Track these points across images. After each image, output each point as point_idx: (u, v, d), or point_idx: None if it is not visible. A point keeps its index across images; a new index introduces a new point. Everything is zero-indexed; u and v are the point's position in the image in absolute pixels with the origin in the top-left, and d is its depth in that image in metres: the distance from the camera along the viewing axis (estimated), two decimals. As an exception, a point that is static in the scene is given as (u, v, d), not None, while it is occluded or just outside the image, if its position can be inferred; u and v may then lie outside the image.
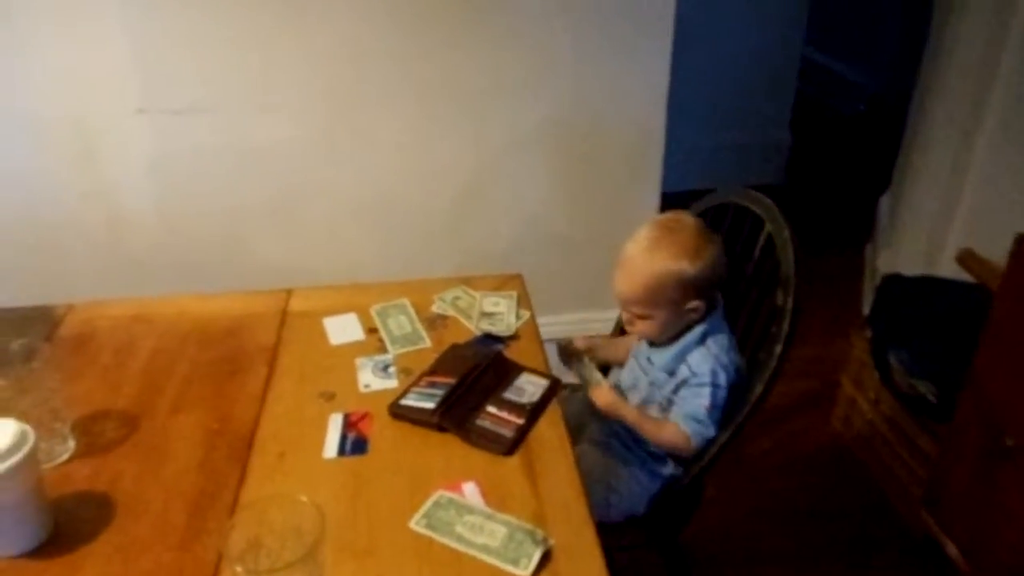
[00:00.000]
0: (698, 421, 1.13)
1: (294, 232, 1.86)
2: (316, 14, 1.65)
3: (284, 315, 1.25)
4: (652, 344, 1.21)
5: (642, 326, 1.16)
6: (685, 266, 1.08)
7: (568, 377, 1.22)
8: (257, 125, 1.74)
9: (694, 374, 1.13)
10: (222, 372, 1.11)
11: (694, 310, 1.12)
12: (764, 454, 1.95)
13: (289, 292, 1.32)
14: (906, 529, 1.70)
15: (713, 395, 1.12)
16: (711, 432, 1.13)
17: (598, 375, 1.21)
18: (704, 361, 1.13)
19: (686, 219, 1.13)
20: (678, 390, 1.15)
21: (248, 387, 1.08)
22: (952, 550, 1.53)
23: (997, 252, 1.49)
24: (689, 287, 1.09)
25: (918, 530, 1.64)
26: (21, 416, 0.84)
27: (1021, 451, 1.31)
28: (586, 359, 1.24)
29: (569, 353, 1.25)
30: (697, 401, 1.13)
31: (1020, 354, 1.31)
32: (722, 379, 1.12)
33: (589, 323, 2.02)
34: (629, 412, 1.16)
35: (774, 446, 1.97)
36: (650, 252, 1.10)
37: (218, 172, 1.78)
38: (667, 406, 1.18)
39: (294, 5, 1.65)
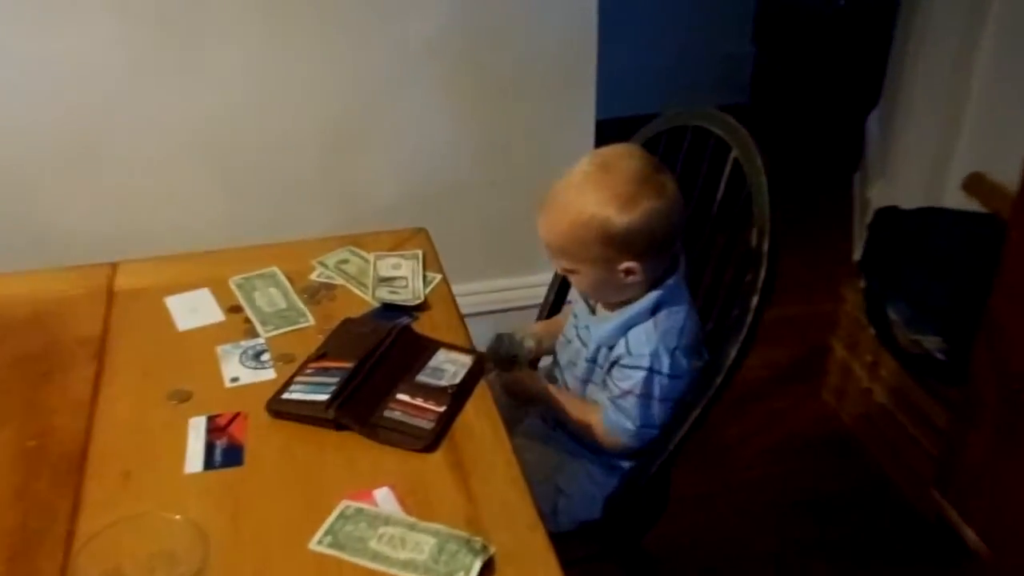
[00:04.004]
0: (619, 410, 1.20)
1: (109, 188, 1.82)
2: None
3: (110, 295, 1.25)
4: (593, 311, 1.27)
5: (574, 281, 1.22)
6: (611, 215, 1.11)
7: None
8: (38, 36, 1.66)
9: (629, 353, 1.19)
10: (32, 374, 1.10)
11: (629, 272, 1.17)
12: (742, 439, 2.06)
13: (114, 266, 1.31)
14: (915, 515, 1.84)
15: (647, 383, 1.18)
16: (629, 426, 1.20)
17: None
18: (646, 340, 1.18)
19: (631, 159, 1.16)
20: (611, 369, 1.22)
21: (71, 391, 1.08)
22: (970, 535, 1.67)
23: (1010, 175, 1.61)
24: (616, 243, 1.13)
25: (930, 515, 1.78)
26: None
27: (1046, 410, 1.45)
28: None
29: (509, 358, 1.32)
30: (622, 385, 1.19)
31: (1040, 292, 1.44)
32: (664, 364, 1.18)
33: (511, 291, 2.08)
34: (539, 389, 1.25)
35: (754, 429, 2.08)
36: (576, 191, 1.15)
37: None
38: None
39: None
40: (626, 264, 1.15)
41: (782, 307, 2.28)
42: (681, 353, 1.19)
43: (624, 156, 1.17)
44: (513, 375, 1.30)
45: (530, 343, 1.34)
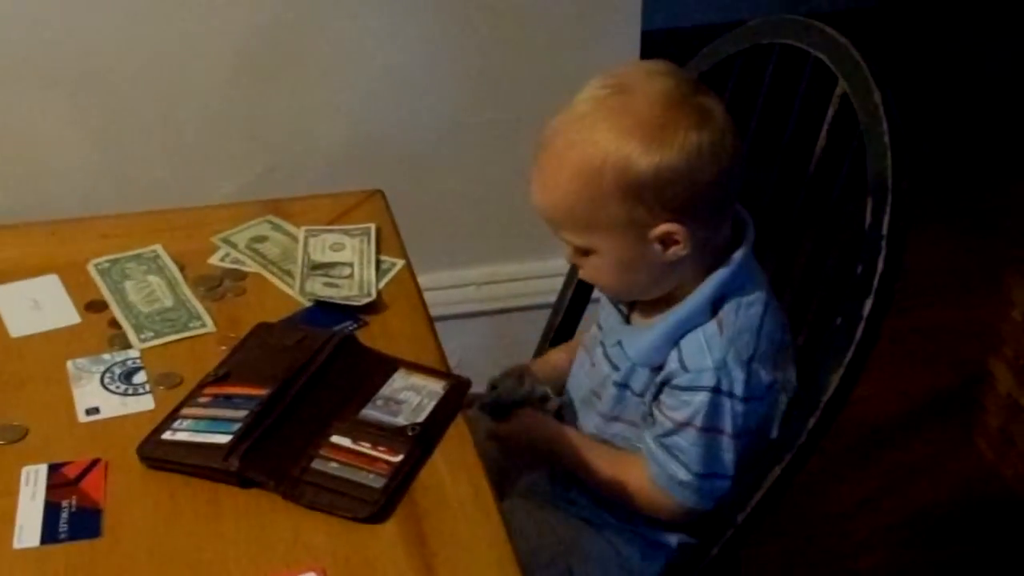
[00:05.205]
0: (668, 453, 1.19)
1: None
2: None
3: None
4: (627, 318, 1.27)
5: (589, 269, 1.23)
6: (632, 152, 1.13)
7: None
8: None
9: (684, 369, 1.19)
10: None
11: (669, 240, 1.16)
12: (854, 509, 2.04)
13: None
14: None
15: (712, 410, 1.17)
16: (682, 475, 1.19)
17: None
18: (708, 347, 1.18)
19: (660, 77, 1.18)
20: (658, 396, 1.22)
21: None
22: None
23: None
24: (646, 195, 1.14)
25: None
26: None
27: None
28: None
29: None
30: (676, 416, 1.19)
31: None
32: (737, 382, 1.17)
33: (508, 283, 2.09)
34: (551, 435, 1.26)
35: (872, 494, 2.07)
36: (582, 126, 1.16)
37: None
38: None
39: None
40: (663, 228, 1.16)
41: (915, 314, 2.27)
42: (761, 364, 1.19)
43: (649, 74, 1.18)
44: (513, 422, 1.31)
45: (546, 390, 1.35)
